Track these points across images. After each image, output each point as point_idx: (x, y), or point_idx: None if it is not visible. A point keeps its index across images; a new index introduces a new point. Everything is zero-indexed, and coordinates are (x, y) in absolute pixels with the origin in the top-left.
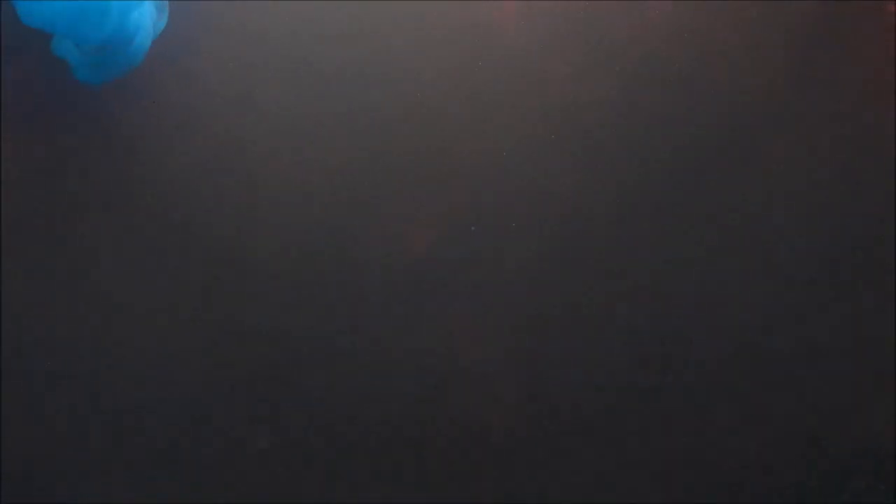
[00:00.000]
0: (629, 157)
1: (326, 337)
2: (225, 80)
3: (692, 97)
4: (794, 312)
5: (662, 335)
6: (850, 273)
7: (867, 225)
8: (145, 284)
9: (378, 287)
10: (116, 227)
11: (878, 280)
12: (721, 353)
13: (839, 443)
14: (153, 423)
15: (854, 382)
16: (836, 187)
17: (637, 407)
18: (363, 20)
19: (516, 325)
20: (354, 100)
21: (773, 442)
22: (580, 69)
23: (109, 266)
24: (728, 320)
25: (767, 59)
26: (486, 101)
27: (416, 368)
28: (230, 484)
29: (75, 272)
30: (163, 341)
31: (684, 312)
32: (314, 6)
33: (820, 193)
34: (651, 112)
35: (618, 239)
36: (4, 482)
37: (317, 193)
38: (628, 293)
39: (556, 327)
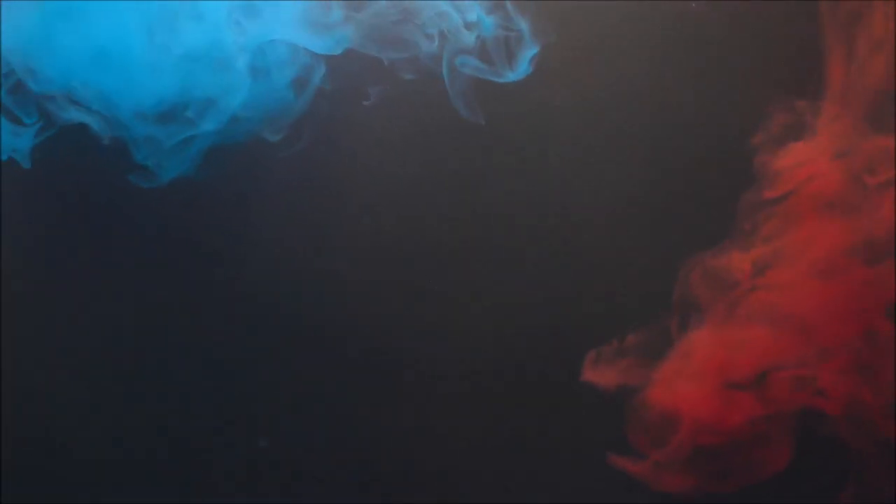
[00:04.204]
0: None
1: (326, 335)
2: None
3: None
4: None
5: None
6: None
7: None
8: (149, 286)
9: (380, 286)
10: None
11: None
12: None
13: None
14: (153, 423)
15: None
16: None
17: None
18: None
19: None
20: None
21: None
22: None
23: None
24: None
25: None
26: None
27: (413, 369)
28: (230, 484)
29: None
30: (162, 341)
31: None
32: None
33: None
34: None
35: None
36: (4, 482)
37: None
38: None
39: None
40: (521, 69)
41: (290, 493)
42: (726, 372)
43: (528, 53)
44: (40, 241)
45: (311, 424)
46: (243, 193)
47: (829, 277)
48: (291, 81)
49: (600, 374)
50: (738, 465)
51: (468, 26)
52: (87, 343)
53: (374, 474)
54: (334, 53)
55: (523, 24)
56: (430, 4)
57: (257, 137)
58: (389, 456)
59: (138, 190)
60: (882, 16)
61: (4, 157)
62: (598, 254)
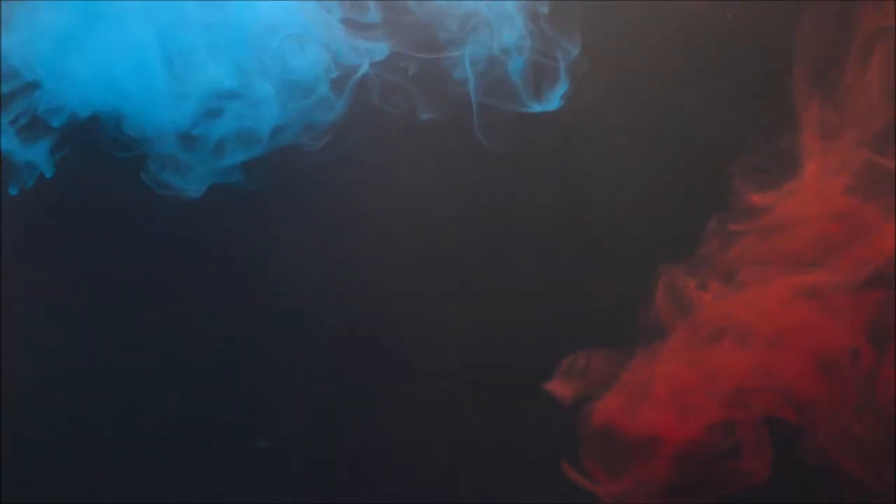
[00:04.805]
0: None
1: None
2: None
3: None
4: None
5: None
6: None
7: None
8: (149, 284)
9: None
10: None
11: None
12: None
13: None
14: (154, 422)
15: None
16: None
17: None
18: None
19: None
20: None
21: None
22: None
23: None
24: None
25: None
26: None
27: (413, 369)
28: (230, 484)
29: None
30: (163, 341)
31: None
32: None
33: None
34: None
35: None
36: (4, 482)
37: None
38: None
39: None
40: (551, 104)
41: (290, 493)
42: (690, 389)
43: (560, 90)
44: (44, 241)
45: (311, 424)
46: (246, 194)
47: (808, 300)
48: (330, 84)
49: (565, 385)
50: (709, 483)
51: (503, 52)
52: (87, 343)
53: (374, 474)
54: (373, 60)
55: (560, 56)
56: (467, 5)
57: (294, 145)
58: (389, 456)
59: (143, 191)
60: (855, 61)
61: (14, 191)
62: (600, 257)
